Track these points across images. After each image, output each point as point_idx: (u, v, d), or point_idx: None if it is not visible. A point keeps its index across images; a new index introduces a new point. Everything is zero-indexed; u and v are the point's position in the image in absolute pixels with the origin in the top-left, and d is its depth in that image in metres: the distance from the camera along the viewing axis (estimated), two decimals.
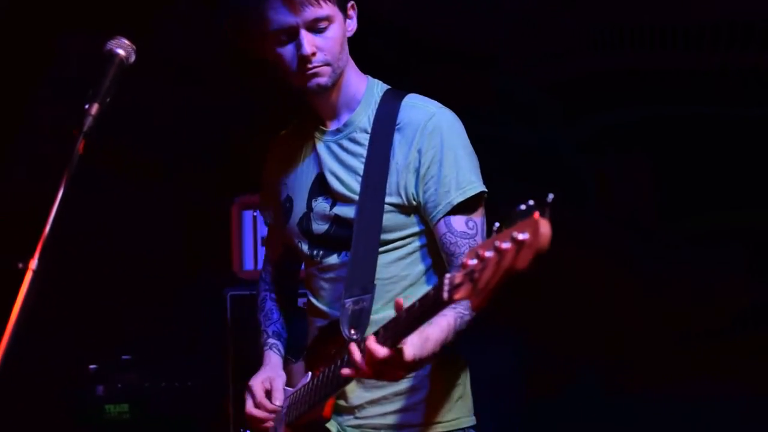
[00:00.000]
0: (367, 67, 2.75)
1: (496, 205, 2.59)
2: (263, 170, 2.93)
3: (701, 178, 4.37)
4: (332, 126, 2.72)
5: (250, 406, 2.77)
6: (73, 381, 4.39)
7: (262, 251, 4.32)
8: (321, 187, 2.70)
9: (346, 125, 2.69)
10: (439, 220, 2.56)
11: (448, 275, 2.05)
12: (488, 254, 1.90)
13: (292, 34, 2.57)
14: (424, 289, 2.39)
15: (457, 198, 2.55)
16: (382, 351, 2.21)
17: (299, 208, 2.75)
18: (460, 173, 2.57)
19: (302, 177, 2.76)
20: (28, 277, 2.14)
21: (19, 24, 4.31)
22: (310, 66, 2.57)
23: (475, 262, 1.95)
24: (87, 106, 2.27)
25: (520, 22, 4.33)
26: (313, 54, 2.56)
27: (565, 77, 4.43)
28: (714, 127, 4.34)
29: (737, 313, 4.37)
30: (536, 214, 1.81)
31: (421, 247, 2.64)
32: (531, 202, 1.84)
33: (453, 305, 2.15)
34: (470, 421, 2.69)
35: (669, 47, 4.31)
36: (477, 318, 2.46)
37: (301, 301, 3.04)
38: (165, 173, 4.70)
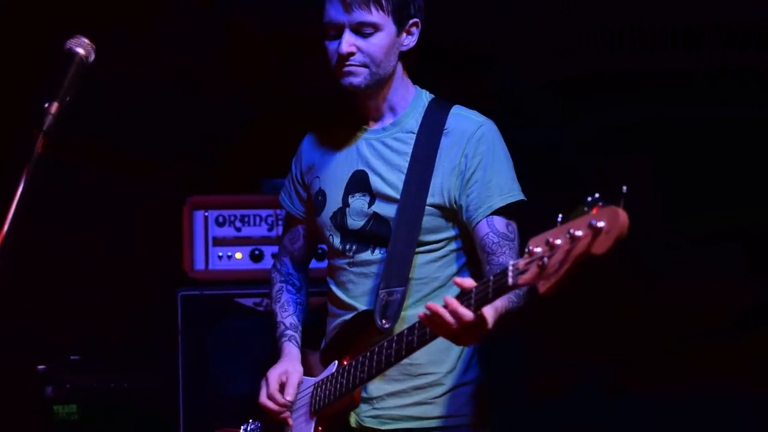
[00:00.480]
0: None
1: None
2: (295, 160, 2.98)
3: (701, 178, 4.37)
4: (376, 126, 2.79)
5: (263, 396, 2.82)
6: (21, 381, 4.35)
7: (213, 251, 4.32)
8: (360, 183, 2.76)
9: (393, 124, 2.77)
10: (480, 221, 2.66)
11: (512, 262, 2.14)
12: (558, 241, 2.00)
13: (339, 31, 2.67)
14: (453, 291, 2.50)
15: (499, 203, 2.66)
16: (469, 314, 2.27)
17: (334, 203, 2.80)
18: (504, 180, 2.69)
19: (339, 172, 2.81)
20: None
21: (17, 23, 4.30)
22: (346, 63, 2.67)
23: (541, 249, 2.04)
24: (47, 105, 2.29)
25: (520, 22, 4.33)
26: (351, 54, 2.66)
27: (565, 77, 4.43)
28: (714, 127, 4.34)
29: (737, 313, 4.37)
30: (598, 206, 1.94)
31: (454, 251, 2.74)
32: (597, 195, 1.96)
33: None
34: (484, 418, 2.78)
35: (669, 47, 4.31)
36: (523, 309, 2.54)
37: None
38: (116, 171, 4.69)
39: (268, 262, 4.15)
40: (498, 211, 2.66)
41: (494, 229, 2.65)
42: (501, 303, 2.40)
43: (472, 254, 2.73)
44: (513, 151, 2.79)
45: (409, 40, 2.73)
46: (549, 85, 4.44)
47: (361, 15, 2.63)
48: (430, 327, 2.35)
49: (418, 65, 2.82)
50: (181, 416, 4.13)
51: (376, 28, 2.65)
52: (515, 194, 2.69)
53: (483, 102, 2.88)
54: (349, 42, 2.64)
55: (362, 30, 2.65)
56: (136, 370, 4.40)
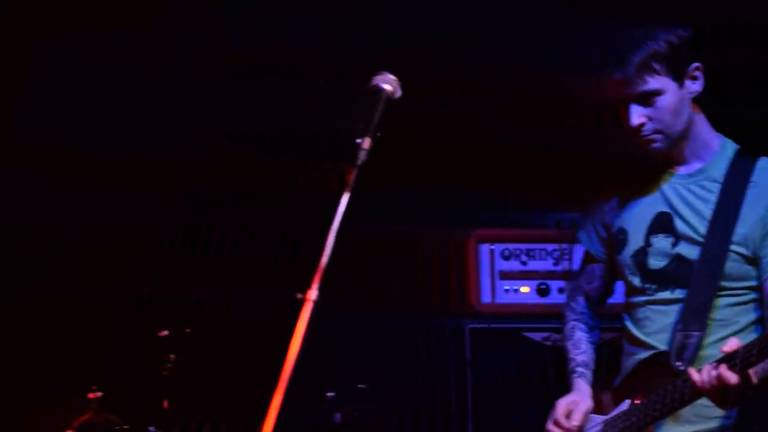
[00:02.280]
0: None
1: None
2: (600, 202, 2.99)
3: None
4: (682, 171, 2.80)
5: (549, 422, 2.85)
6: (311, 408, 4.38)
7: (499, 285, 4.35)
8: (663, 224, 2.78)
9: (699, 171, 2.78)
10: None
11: None
12: None
13: (626, 104, 2.69)
14: (750, 337, 2.53)
15: None
16: (733, 378, 2.37)
17: (635, 242, 2.82)
18: None
19: (642, 212, 2.83)
20: (308, 307, 2.21)
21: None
22: (640, 134, 2.71)
23: None
24: (359, 141, 2.36)
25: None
26: (642, 125, 2.69)
27: None
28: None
29: None
30: None
31: (755, 300, 2.74)
32: None
33: None
34: None
35: None
36: None
37: None
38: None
39: (554, 297, 4.24)
40: None
41: None
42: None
43: None
44: None
45: (696, 86, 2.78)
46: None
47: (640, 87, 2.67)
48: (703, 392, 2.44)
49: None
50: None
51: (658, 93, 2.69)
52: None
53: None
54: (638, 114, 2.69)
55: (646, 100, 2.69)
56: (421, 400, 4.43)
